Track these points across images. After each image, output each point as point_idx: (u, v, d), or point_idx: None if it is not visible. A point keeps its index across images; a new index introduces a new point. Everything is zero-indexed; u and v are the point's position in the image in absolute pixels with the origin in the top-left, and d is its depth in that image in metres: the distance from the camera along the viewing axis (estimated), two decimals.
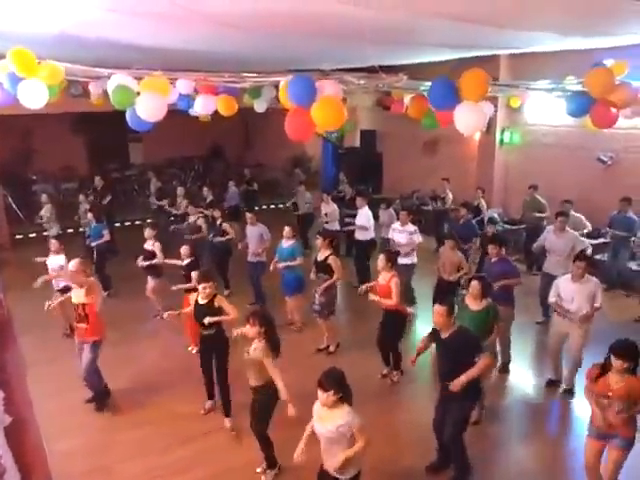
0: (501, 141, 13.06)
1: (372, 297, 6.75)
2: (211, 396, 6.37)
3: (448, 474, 5.20)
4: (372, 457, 4.64)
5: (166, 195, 13.14)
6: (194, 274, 7.06)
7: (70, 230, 12.05)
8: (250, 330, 4.93)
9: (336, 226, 11.00)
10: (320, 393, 3.88)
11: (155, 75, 5.67)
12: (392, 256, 6.91)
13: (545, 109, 11.65)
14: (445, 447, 5.20)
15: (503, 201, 13.15)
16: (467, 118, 4.64)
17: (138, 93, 5.42)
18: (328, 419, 3.93)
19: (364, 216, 9.87)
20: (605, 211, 9.78)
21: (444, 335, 4.89)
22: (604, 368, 4.44)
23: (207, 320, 5.76)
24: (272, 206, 17.33)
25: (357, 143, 17.66)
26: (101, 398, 6.55)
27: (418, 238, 8.79)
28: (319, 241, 7.59)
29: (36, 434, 5.55)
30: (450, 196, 12.52)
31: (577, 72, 6.64)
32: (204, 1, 4.08)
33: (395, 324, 6.82)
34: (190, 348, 7.68)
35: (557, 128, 11.56)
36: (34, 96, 5.10)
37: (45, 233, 11.35)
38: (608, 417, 4.40)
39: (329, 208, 11.05)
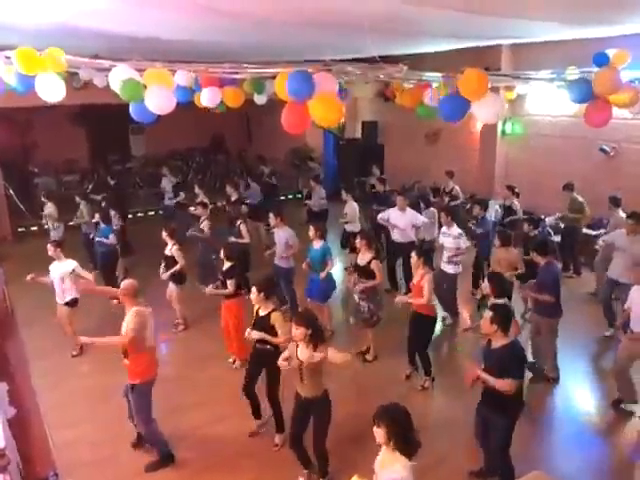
0: (503, 132, 13.01)
1: (402, 299, 6.70)
2: (258, 415, 5.89)
3: None
4: None
5: (183, 190, 12.92)
6: (230, 282, 6.94)
7: (71, 223, 11.97)
8: (295, 332, 4.63)
9: (357, 226, 10.30)
10: (374, 427, 3.41)
11: (156, 66, 5.66)
12: (423, 252, 6.67)
13: (547, 99, 11.60)
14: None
15: (505, 192, 13.10)
16: (486, 108, 4.63)
17: (144, 86, 5.43)
18: (384, 467, 3.41)
19: (408, 218, 9.14)
20: (607, 201, 9.73)
21: (493, 345, 4.70)
22: None
23: (253, 334, 5.35)
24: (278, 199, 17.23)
25: (358, 134, 17.62)
26: (164, 459, 5.45)
27: (465, 243, 8.19)
28: (358, 242, 7.28)
29: (40, 425, 5.60)
30: (458, 190, 12.18)
31: (579, 62, 6.61)
32: None
33: (422, 327, 6.65)
34: (231, 360, 7.33)
35: (559, 118, 11.52)
36: (52, 90, 5.18)
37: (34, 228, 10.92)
38: None
39: (349, 208, 10.36)
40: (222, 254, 7.18)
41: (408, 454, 3.32)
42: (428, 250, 7.21)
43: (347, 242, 10.15)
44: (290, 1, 4.42)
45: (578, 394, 6.87)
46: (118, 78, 5.36)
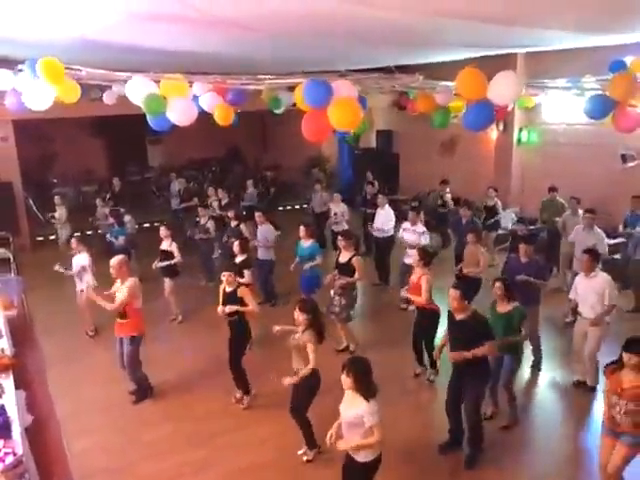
0: (519, 140, 12.94)
1: (408, 296, 7.00)
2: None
3: (459, 454, 5.49)
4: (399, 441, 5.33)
5: (192, 196, 13.14)
6: (247, 272, 7.48)
7: (89, 232, 12.16)
8: (298, 317, 5.20)
9: (345, 226, 10.79)
10: (343, 376, 4.08)
11: (174, 77, 5.70)
12: (425, 254, 6.91)
13: (563, 107, 11.50)
14: (456, 428, 5.51)
15: (520, 201, 13.03)
16: (502, 87, 4.56)
17: (164, 98, 5.48)
18: (350, 405, 4.11)
19: (384, 215, 9.91)
20: (624, 210, 9.59)
21: (459, 317, 5.20)
22: (618, 364, 4.37)
23: (227, 308, 6.15)
24: (289, 207, 17.29)
25: (373, 144, 17.63)
26: (143, 392, 6.72)
27: (425, 240, 8.65)
28: (341, 242, 7.51)
29: (56, 433, 5.64)
30: (449, 198, 12.13)
31: (595, 69, 6.57)
32: (222, 5, 4.10)
33: (428, 323, 6.84)
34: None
35: (576, 126, 11.40)
36: (39, 98, 5.19)
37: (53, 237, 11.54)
38: (615, 415, 4.34)
39: (339, 208, 11.08)
40: (237, 248, 7.82)
41: (368, 397, 4.02)
42: (432, 252, 7.48)
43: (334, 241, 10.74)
44: (305, 14, 4.44)
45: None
46: (135, 90, 5.40)
